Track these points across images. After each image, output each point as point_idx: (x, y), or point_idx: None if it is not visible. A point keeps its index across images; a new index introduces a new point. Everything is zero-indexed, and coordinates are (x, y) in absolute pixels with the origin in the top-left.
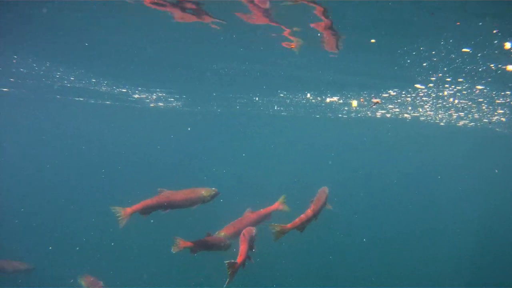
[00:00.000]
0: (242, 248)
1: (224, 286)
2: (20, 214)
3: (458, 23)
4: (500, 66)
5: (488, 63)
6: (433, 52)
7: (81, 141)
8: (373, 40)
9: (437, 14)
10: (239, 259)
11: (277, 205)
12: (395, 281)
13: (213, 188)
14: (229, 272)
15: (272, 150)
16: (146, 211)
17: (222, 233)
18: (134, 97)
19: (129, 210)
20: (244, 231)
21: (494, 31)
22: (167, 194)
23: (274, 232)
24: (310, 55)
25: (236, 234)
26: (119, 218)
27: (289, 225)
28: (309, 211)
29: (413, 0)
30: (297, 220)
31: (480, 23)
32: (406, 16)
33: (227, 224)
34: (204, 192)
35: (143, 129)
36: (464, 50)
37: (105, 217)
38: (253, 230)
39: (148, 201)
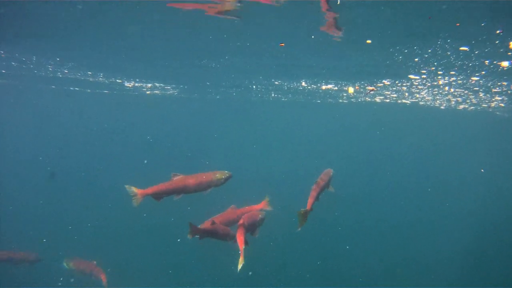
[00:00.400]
0: (239, 233)
1: (239, 267)
2: (20, 206)
3: (458, 24)
4: (495, 62)
5: (482, 60)
6: (429, 50)
7: (79, 131)
8: (369, 41)
9: (436, 16)
10: (240, 244)
11: (263, 204)
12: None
13: (227, 171)
14: (243, 255)
15: (273, 136)
16: (158, 195)
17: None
18: (128, 86)
19: (141, 192)
20: (245, 215)
21: (497, 31)
22: (180, 179)
23: (299, 216)
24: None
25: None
26: (133, 198)
27: (308, 207)
28: (314, 191)
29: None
30: (310, 200)
31: (483, 24)
32: (404, 18)
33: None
34: (218, 175)
35: (139, 117)
36: (462, 48)
37: (106, 210)
38: (258, 215)
39: (162, 186)
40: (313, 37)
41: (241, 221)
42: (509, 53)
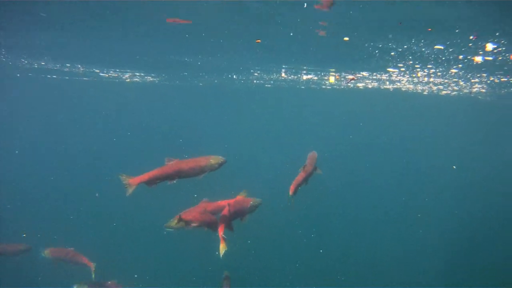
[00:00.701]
0: (221, 220)
1: (221, 254)
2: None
3: (429, 29)
4: (469, 57)
5: (456, 55)
6: (405, 46)
7: (62, 121)
8: (346, 38)
9: (406, 22)
10: (220, 231)
11: (237, 199)
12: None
13: (221, 156)
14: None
15: (256, 122)
16: (152, 182)
17: (175, 220)
18: (105, 76)
19: (134, 180)
20: (236, 201)
21: (471, 37)
22: (174, 163)
23: (290, 199)
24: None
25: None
26: (126, 187)
27: (291, 191)
28: (301, 174)
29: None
30: (294, 183)
31: (457, 31)
32: (380, 19)
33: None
34: (212, 160)
35: (121, 104)
36: (437, 47)
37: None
38: (249, 201)
39: (155, 171)
40: (291, 34)
41: (225, 210)
42: (481, 52)
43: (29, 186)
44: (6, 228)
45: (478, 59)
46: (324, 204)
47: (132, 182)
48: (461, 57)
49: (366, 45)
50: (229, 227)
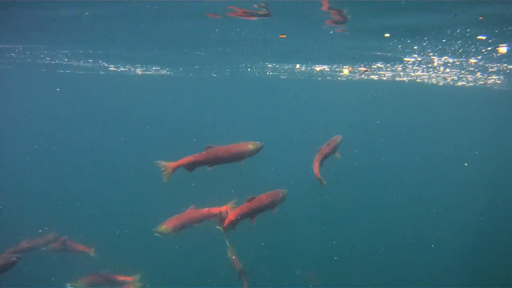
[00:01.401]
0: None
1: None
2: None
3: (480, 18)
4: (497, 48)
5: (481, 47)
6: (443, 40)
7: (71, 115)
8: (387, 35)
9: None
10: (230, 217)
11: (224, 208)
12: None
13: (259, 142)
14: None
15: (272, 114)
16: (192, 166)
17: (163, 226)
18: (117, 71)
19: (173, 164)
20: (266, 194)
21: None
22: (214, 149)
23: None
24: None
25: (176, 229)
26: (164, 173)
27: (317, 174)
28: (318, 156)
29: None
30: (316, 168)
31: None
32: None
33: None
34: (251, 146)
35: (133, 97)
36: (479, 37)
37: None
38: (279, 194)
39: (195, 157)
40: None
41: (244, 206)
42: None
43: (46, 180)
44: (30, 223)
45: (503, 50)
46: (338, 198)
47: (172, 165)
48: (487, 49)
49: (395, 40)
50: (252, 220)
